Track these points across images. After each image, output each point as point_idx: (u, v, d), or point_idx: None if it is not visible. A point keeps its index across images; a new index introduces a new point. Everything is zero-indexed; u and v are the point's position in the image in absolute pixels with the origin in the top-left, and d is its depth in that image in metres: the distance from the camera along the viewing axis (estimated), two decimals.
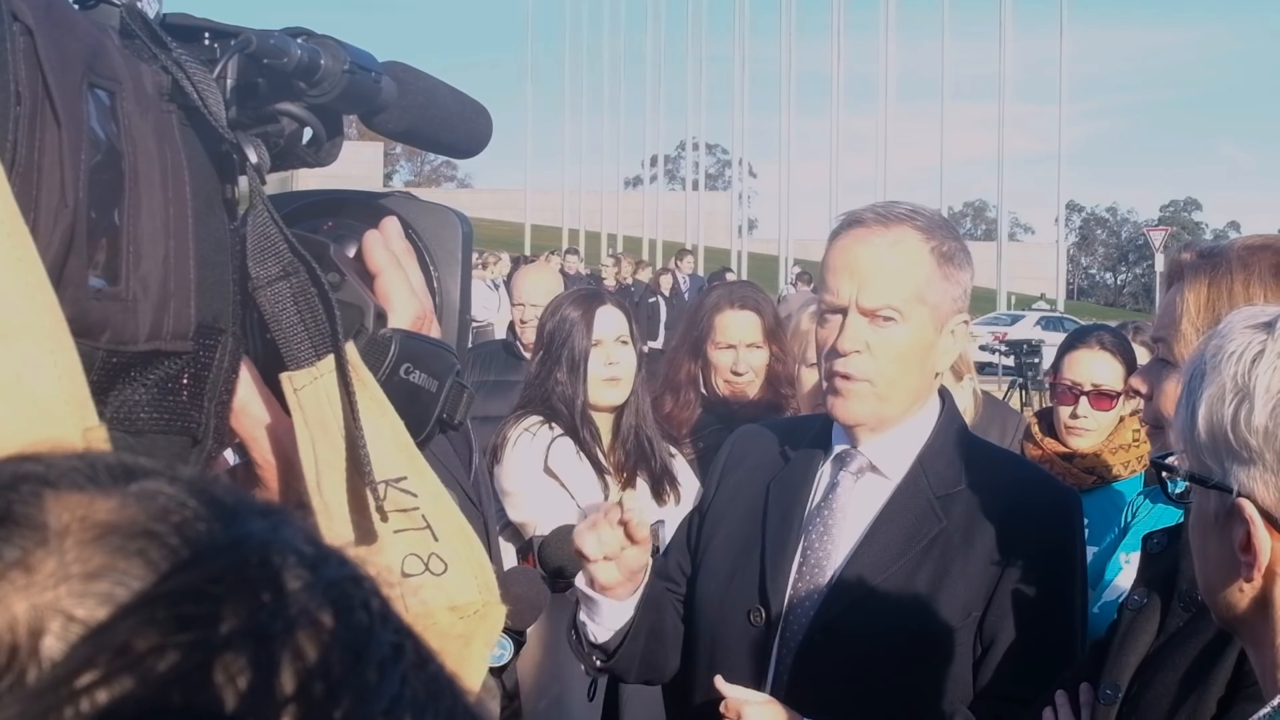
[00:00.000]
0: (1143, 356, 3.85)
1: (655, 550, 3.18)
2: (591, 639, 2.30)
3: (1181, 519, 1.78)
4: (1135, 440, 3.55)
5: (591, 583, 2.22)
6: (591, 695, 3.36)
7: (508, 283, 12.31)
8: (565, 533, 3.22)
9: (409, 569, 0.76)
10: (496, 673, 2.73)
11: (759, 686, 2.19)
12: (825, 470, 2.34)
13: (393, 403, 0.78)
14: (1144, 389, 1.99)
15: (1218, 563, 1.33)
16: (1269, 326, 1.29)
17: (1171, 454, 1.40)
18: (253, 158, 0.75)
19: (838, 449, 2.33)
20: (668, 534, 3.18)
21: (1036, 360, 17.49)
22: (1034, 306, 42.73)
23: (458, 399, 0.83)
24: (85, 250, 0.65)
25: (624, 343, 3.61)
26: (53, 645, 0.35)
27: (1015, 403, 14.67)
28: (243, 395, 0.79)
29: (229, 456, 0.88)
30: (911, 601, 2.20)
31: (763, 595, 2.27)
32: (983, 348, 18.94)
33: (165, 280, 0.70)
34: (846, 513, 2.29)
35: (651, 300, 19.56)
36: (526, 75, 65.73)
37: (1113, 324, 4.45)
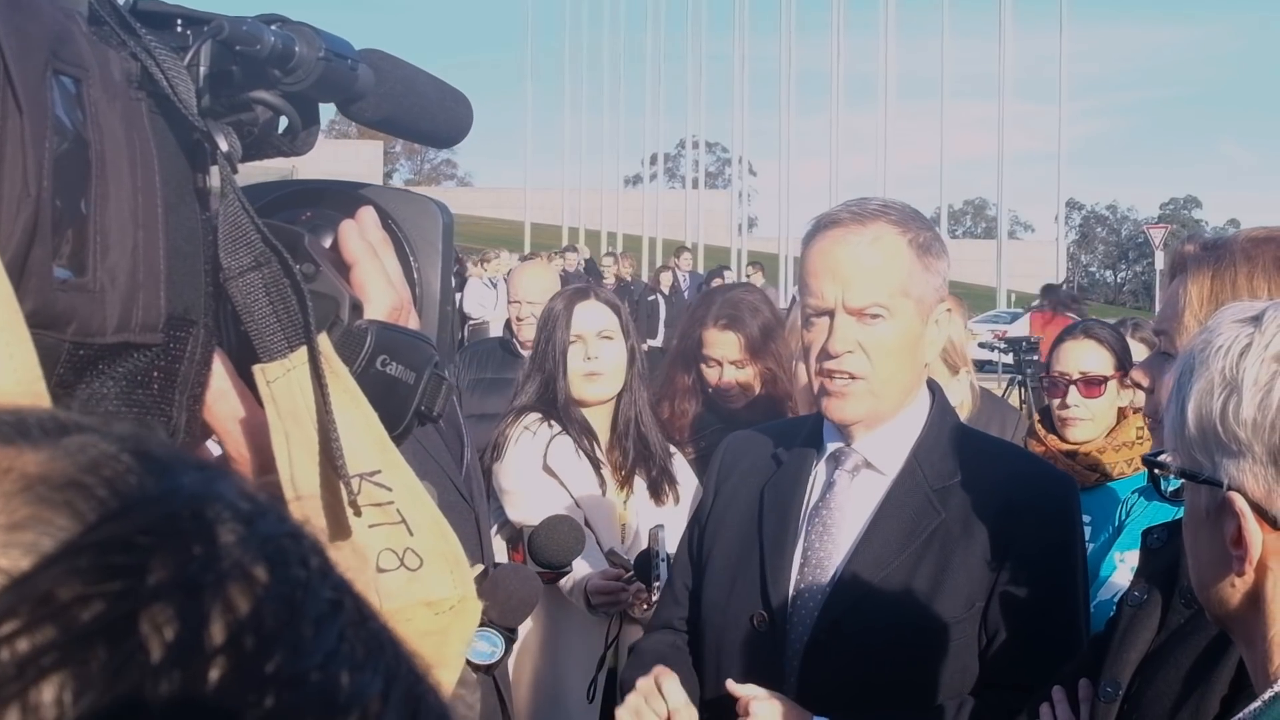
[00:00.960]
0: (1141, 352, 3.86)
1: (656, 555, 3.18)
2: None
3: (1181, 514, 1.77)
4: (1139, 438, 3.55)
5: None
6: (590, 696, 3.35)
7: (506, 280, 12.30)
8: (554, 523, 3.21)
9: (384, 564, 0.75)
10: (488, 670, 2.71)
11: (768, 689, 2.19)
12: (820, 470, 2.34)
13: (369, 395, 0.77)
14: (1146, 382, 1.98)
15: (1210, 558, 1.33)
16: (1256, 320, 1.29)
17: (1164, 452, 1.39)
18: (224, 146, 0.74)
19: (831, 448, 2.33)
20: (667, 537, 3.17)
21: (1036, 358, 17.47)
22: (1034, 305, 42.70)
23: (436, 390, 0.82)
24: (50, 240, 0.64)
25: (607, 338, 3.59)
26: None
27: (1015, 400, 14.66)
28: (216, 388, 0.77)
29: (212, 448, 0.87)
30: (915, 596, 2.21)
31: (765, 599, 2.28)
32: (982, 345, 18.92)
33: (134, 271, 0.69)
34: (845, 511, 2.29)
35: (651, 298, 19.57)
36: (526, 74, 65.69)
37: (1111, 321, 4.45)
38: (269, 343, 0.75)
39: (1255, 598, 1.30)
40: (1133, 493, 3.31)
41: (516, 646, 2.95)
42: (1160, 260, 30.52)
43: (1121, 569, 3.05)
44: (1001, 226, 41.27)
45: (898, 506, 2.25)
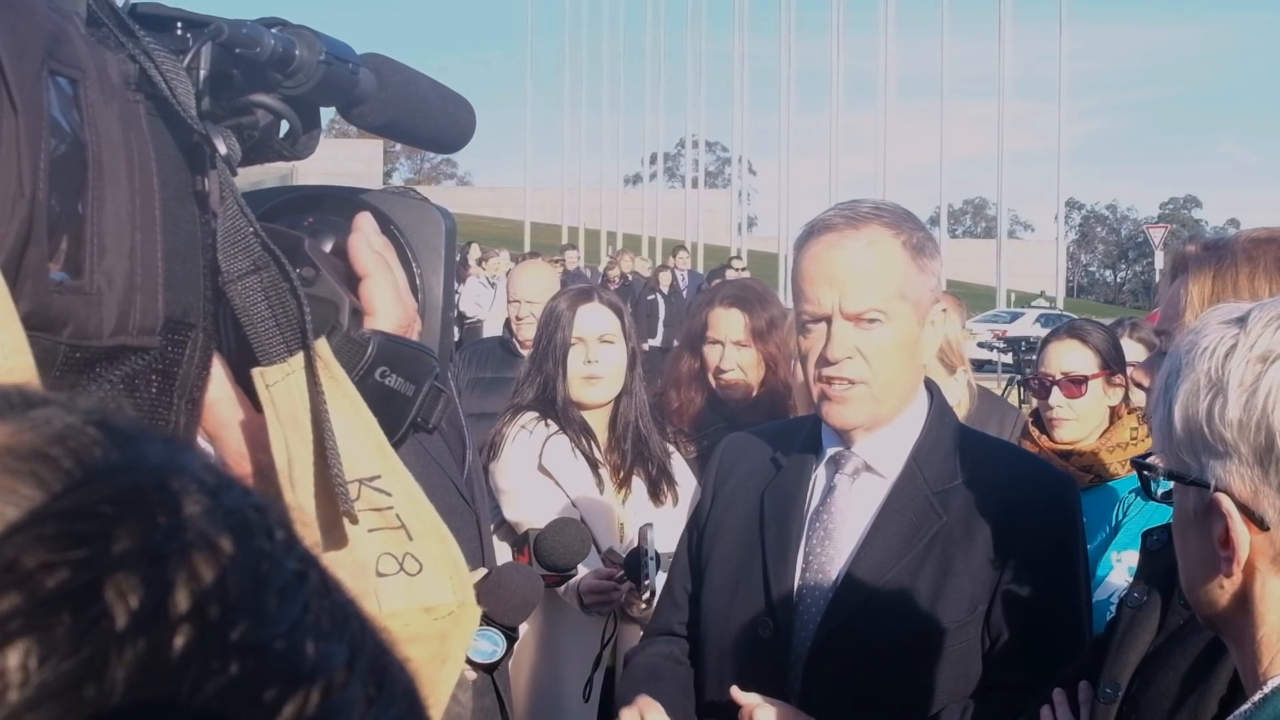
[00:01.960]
0: (1140, 352, 3.85)
1: (644, 554, 3.17)
2: None
3: None
4: (1134, 439, 3.55)
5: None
6: (587, 696, 3.35)
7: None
8: (561, 527, 3.21)
9: (383, 569, 0.75)
10: (489, 669, 2.71)
11: (771, 696, 2.19)
12: (820, 474, 2.33)
13: (366, 404, 0.77)
14: (1146, 381, 1.98)
15: (1198, 560, 1.33)
16: (1241, 321, 1.29)
17: (1152, 454, 1.39)
18: (222, 149, 0.73)
19: (830, 451, 2.32)
20: (656, 536, 3.17)
21: (1035, 357, 17.47)
22: (1033, 304, 42.77)
23: (434, 403, 0.82)
24: (46, 242, 0.63)
25: (608, 342, 3.59)
26: None
27: (1014, 399, 14.66)
28: (214, 392, 0.77)
29: (208, 450, 0.87)
30: (917, 600, 2.20)
31: (769, 605, 2.27)
32: (981, 345, 18.94)
33: (131, 274, 0.68)
34: (845, 515, 2.28)
35: (650, 298, 19.56)
36: (526, 73, 65.76)
37: (1108, 321, 4.44)
38: (268, 347, 0.75)
39: (1244, 599, 1.30)
40: (1129, 493, 3.31)
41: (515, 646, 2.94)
42: (1160, 260, 30.51)
43: (1118, 569, 3.05)
44: (1001, 226, 41.30)
45: (898, 510, 2.25)
